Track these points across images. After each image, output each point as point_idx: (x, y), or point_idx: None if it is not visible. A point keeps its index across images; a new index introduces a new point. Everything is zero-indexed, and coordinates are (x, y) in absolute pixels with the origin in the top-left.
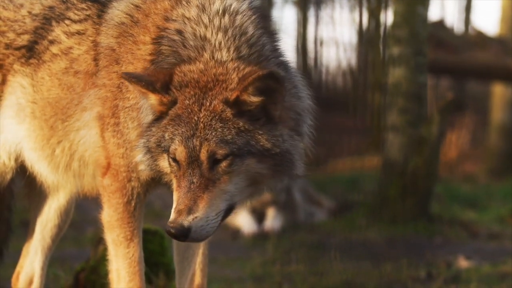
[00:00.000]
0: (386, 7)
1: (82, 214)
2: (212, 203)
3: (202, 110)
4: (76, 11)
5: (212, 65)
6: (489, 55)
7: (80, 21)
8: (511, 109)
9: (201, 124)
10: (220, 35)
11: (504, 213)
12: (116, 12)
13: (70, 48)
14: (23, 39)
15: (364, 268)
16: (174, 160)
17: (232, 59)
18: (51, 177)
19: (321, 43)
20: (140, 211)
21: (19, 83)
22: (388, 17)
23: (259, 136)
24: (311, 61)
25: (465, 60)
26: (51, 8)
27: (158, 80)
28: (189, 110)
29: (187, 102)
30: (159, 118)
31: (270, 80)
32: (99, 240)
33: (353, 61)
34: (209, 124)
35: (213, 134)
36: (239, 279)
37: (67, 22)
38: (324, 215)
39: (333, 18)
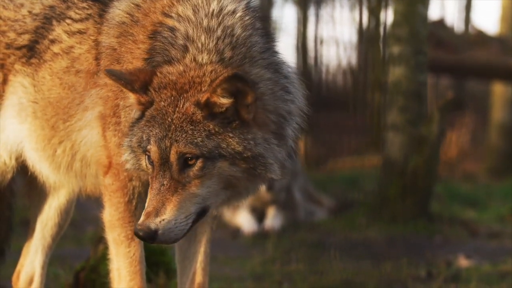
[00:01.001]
0: (386, 6)
1: (82, 213)
2: (181, 206)
3: (176, 112)
4: (77, 10)
5: (192, 68)
6: (489, 54)
7: (81, 20)
8: (511, 108)
9: (173, 126)
10: (204, 37)
11: (504, 212)
12: (117, 12)
13: (72, 47)
14: (24, 39)
15: (364, 267)
16: (150, 161)
17: (211, 62)
18: (52, 177)
19: (321, 42)
20: (141, 210)
21: (20, 83)
22: (388, 16)
23: (230, 139)
24: (311, 60)
25: (465, 59)
26: (51, 7)
27: (138, 80)
28: (164, 111)
29: (163, 103)
30: (139, 118)
31: (237, 82)
32: (99, 239)
33: (353, 60)
34: (180, 126)
35: (183, 136)
36: (239, 278)
37: (68, 21)
38: (324, 214)
39: (333, 17)
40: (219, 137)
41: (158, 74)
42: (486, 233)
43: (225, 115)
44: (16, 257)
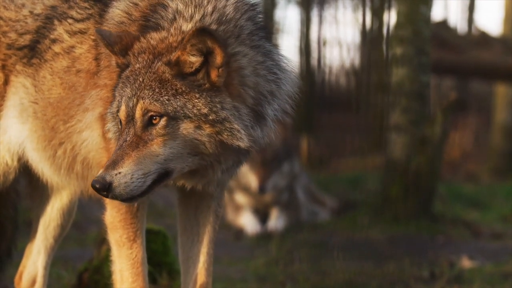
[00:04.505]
0: (389, 7)
1: (85, 214)
2: (140, 162)
3: (148, 72)
4: (78, 10)
5: (173, 34)
6: (492, 55)
7: (82, 20)
8: None
9: (143, 85)
10: (192, 9)
11: (507, 212)
12: (116, 12)
13: (73, 47)
14: (25, 39)
15: (367, 267)
16: (120, 123)
17: None
18: (54, 179)
19: (324, 43)
20: (142, 212)
21: (22, 84)
22: (391, 17)
23: (196, 100)
24: (314, 61)
25: (468, 60)
26: (53, 7)
27: (119, 43)
28: (137, 72)
29: (138, 65)
30: (118, 82)
31: (205, 37)
32: (102, 240)
33: (356, 61)
34: (149, 85)
35: (150, 93)
36: (243, 278)
37: (69, 21)
38: (327, 214)
39: (336, 18)
40: (186, 97)
41: (141, 39)
42: (488, 233)
43: (196, 77)
44: (19, 257)
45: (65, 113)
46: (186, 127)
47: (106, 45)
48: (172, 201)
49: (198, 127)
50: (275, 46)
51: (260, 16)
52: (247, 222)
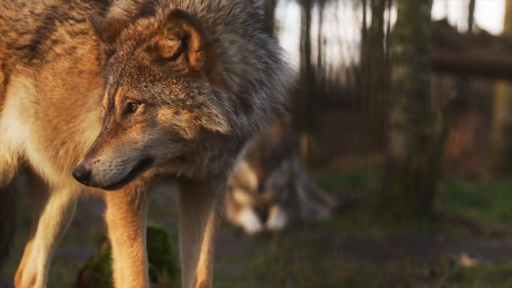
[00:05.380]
0: (389, 6)
1: (85, 212)
2: (119, 149)
3: (129, 59)
4: (79, 10)
5: (159, 20)
6: (492, 53)
7: (83, 20)
8: None
9: (124, 72)
10: None
11: (507, 211)
12: (117, 10)
13: (74, 47)
14: (26, 39)
15: (367, 266)
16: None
17: None
18: (56, 178)
19: (325, 41)
20: (143, 210)
21: (22, 83)
22: (391, 15)
23: (174, 86)
24: (314, 60)
25: (468, 59)
26: (53, 7)
27: (108, 30)
28: (120, 60)
29: (121, 53)
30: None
31: (180, 20)
32: (103, 238)
33: (357, 59)
34: (129, 72)
35: (129, 80)
36: (243, 277)
37: (70, 21)
38: (328, 213)
39: (337, 16)
40: (163, 82)
41: (129, 26)
42: (489, 232)
43: (175, 62)
44: (18, 256)
45: (68, 113)
46: (164, 113)
47: (96, 32)
48: (173, 199)
49: (176, 113)
50: (273, 38)
51: (259, 10)
52: (247, 220)
